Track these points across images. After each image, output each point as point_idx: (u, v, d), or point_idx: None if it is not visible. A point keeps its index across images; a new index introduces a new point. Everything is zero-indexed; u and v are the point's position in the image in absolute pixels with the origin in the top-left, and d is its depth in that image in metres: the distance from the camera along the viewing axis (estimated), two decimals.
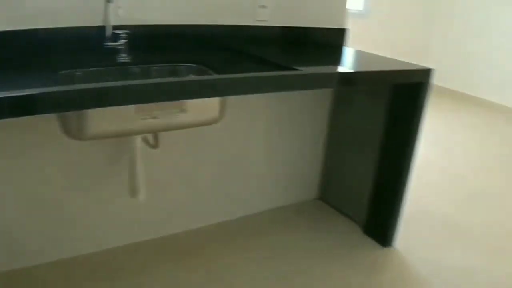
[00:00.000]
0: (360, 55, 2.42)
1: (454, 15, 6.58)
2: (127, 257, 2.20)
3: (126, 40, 1.85)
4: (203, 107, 1.80)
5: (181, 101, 1.68)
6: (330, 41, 2.57)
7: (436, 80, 6.72)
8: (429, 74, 2.06)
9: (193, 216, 2.45)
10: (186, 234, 2.44)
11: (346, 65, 2.12)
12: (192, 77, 1.88)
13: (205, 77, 1.63)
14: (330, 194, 2.85)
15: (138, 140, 1.98)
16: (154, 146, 2.09)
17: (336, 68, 1.96)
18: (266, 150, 2.56)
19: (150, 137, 2.07)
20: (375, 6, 5.97)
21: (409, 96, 2.14)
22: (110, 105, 1.33)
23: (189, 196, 2.39)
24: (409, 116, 2.15)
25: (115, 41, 1.84)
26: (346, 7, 2.60)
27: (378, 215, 2.49)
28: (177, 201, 2.35)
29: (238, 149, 2.46)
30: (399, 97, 2.21)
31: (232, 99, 2.29)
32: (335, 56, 2.30)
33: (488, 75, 6.15)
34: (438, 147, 4.27)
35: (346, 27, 2.60)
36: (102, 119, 1.59)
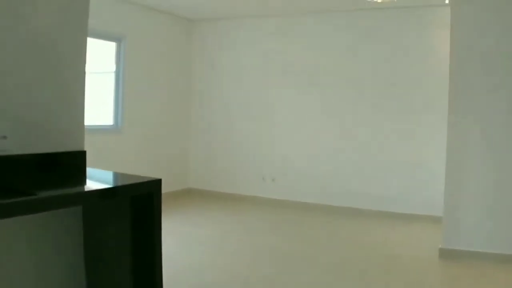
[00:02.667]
0: (95, 174, 2.59)
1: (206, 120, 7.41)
2: None
3: None
4: None
5: None
6: (72, 163, 2.68)
7: (201, 185, 7.36)
8: (159, 184, 2.33)
9: None
10: None
11: (78, 186, 2.27)
12: None
13: None
14: None
15: None
16: None
17: (65, 190, 2.08)
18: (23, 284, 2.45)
19: None
20: (128, 120, 6.28)
21: (146, 206, 2.36)
22: None
23: None
24: (149, 224, 2.36)
25: None
26: (83, 131, 2.79)
27: None
28: None
29: None
30: (138, 208, 2.42)
31: None
32: (71, 179, 2.42)
33: (243, 173, 7.03)
34: (209, 247, 4.64)
35: (83, 149, 2.76)
36: None
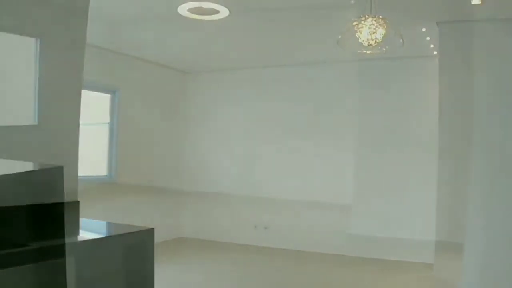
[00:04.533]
0: (88, 224, 2.60)
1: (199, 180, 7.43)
2: None
3: None
4: None
5: None
6: (65, 214, 2.67)
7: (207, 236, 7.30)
8: (151, 234, 2.34)
9: None
10: None
11: (72, 236, 2.28)
12: None
13: None
14: None
15: None
16: None
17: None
18: None
19: None
20: (122, 171, 6.29)
21: (139, 255, 2.36)
22: None
23: None
24: (141, 273, 2.35)
25: None
26: (77, 182, 2.80)
27: None
28: None
29: None
30: (131, 258, 2.41)
31: None
32: (64, 229, 2.43)
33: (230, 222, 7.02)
34: None
35: (77, 200, 2.77)
36: None
